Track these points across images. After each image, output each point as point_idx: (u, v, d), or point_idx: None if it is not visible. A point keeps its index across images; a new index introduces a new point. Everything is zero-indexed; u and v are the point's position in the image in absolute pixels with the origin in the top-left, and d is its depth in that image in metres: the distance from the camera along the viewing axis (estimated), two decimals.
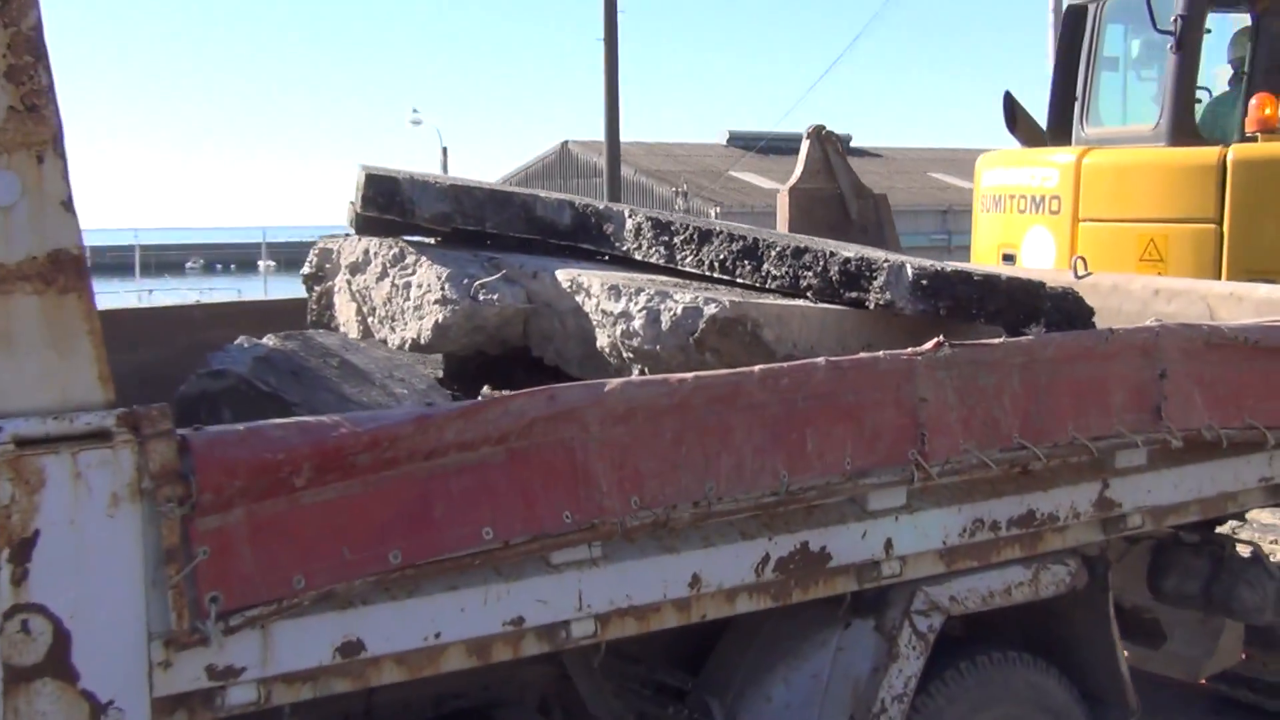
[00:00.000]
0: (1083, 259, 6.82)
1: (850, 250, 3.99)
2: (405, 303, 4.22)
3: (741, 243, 4.12)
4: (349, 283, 4.52)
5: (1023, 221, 7.18)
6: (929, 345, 3.39)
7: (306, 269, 4.87)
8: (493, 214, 4.46)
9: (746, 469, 3.06)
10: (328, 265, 4.82)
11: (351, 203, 4.80)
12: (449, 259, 4.22)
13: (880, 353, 3.32)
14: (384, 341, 4.36)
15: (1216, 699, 6.47)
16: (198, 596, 2.39)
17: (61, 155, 2.36)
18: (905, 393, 3.32)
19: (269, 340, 3.82)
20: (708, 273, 4.19)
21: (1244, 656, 5.27)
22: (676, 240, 4.28)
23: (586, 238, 4.52)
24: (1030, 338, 3.61)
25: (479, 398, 2.77)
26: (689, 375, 2.98)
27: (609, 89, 23.30)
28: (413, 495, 2.63)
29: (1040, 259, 6.90)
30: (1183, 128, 7.55)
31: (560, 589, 2.87)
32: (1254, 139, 6.83)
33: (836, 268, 3.86)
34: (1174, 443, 3.90)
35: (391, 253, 4.33)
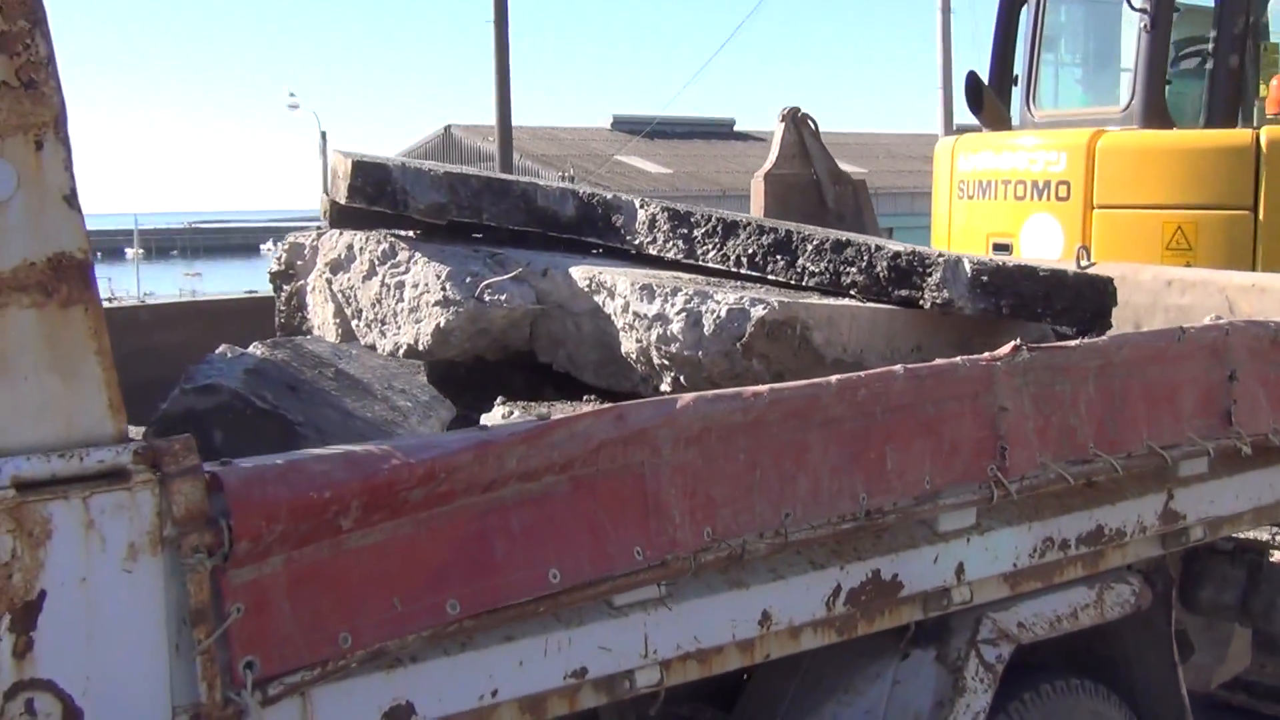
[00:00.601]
0: (1085, 248, 6.67)
1: (897, 244, 3.76)
2: (399, 304, 3.93)
3: (773, 235, 3.88)
4: (329, 282, 4.21)
5: (1021, 209, 6.99)
6: (1006, 349, 3.18)
7: (274, 266, 4.56)
8: (490, 204, 4.18)
9: (824, 492, 2.82)
10: (299, 262, 4.51)
11: (326, 193, 4.50)
12: (447, 255, 3.93)
13: (958, 359, 3.09)
14: (372, 347, 4.06)
15: (1210, 704, 6.38)
16: (231, 662, 2.08)
17: (64, 140, 2.04)
18: (985, 402, 3.11)
19: (256, 349, 3.50)
20: (734, 269, 3.96)
21: None
22: (697, 233, 4.03)
23: (592, 230, 4.27)
24: (1105, 339, 3.41)
25: (537, 418, 2.48)
26: (762, 388, 2.73)
27: (500, 71, 22.94)
28: (471, 534, 2.35)
29: (1044, 248, 6.72)
30: (1156, 109, 7.46)
31: (625, 634, 2.61)
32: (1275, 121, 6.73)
33: (885, 263, 3.64)
34: (1244, 449, 3.74)
35: (380, 248, 4.02)
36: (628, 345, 3.64)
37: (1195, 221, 6.50)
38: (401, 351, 3.92)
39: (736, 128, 36.97)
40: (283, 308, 4.55)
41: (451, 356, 3.92)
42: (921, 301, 3.60)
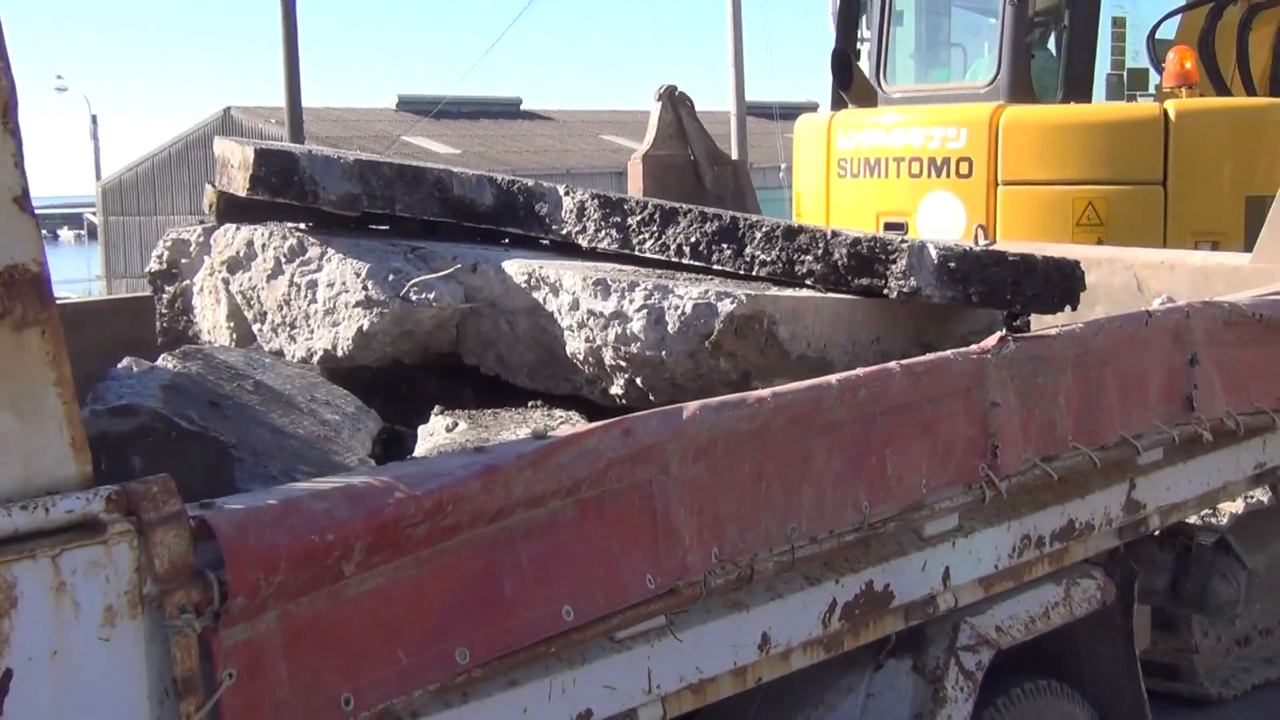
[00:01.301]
0: (982, 227, 6.72)
1: (853, 230, 3.68)
2: (311, 306, 3.68)
3: (716, 223, 3.75)
4: (225, 282, 3.92)
5: (916, 186, 6.99)
6: (993, 340, 3.11)
7: (155, 265, 4.26)
8: (403, 193, 3.96)
9: (828, 503, 2.73)
10: (183, 260, 4.22)
11: (212, 183, 4.21)
12: (364, 251, 3.70)
13: (949, 353, 3.02)
14: (279, 353, 3.80)
15: None
16: None
17: (13, 131, 1.78)
18: (976, 398, 3.05)
19: (166, 362, 3.21)
20: (674, 259, 3.80)
21: None
22: (632, 221, 3.88)
23: (513, 220, 4.08)
24: (1081, 325, 3.37)
25: (533, 434, 2.31)
26: (765, 393, 2.60)
27: (287, 48, 22.12)
28: (479, 571, 2.17)
29: (944, 227, 6.74)
30: (1022, 84, 7.59)
31: (629, 670, 2.47)
32: (1170, 94, 6.88)
33: (844, 250, 3.54)
34: (1205, 435, 3.76)
35: (287, 244, 3.76)
36: (575, 345, 3.46)
37: (1105, 197, 6.59)
38: (316, 358, 3.68)
39: (524, 106, 37.16)
40: (164, 310, 4.25)
41: (371, 361, 3.69)
42: (886, 290, 3.52)
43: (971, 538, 3.21)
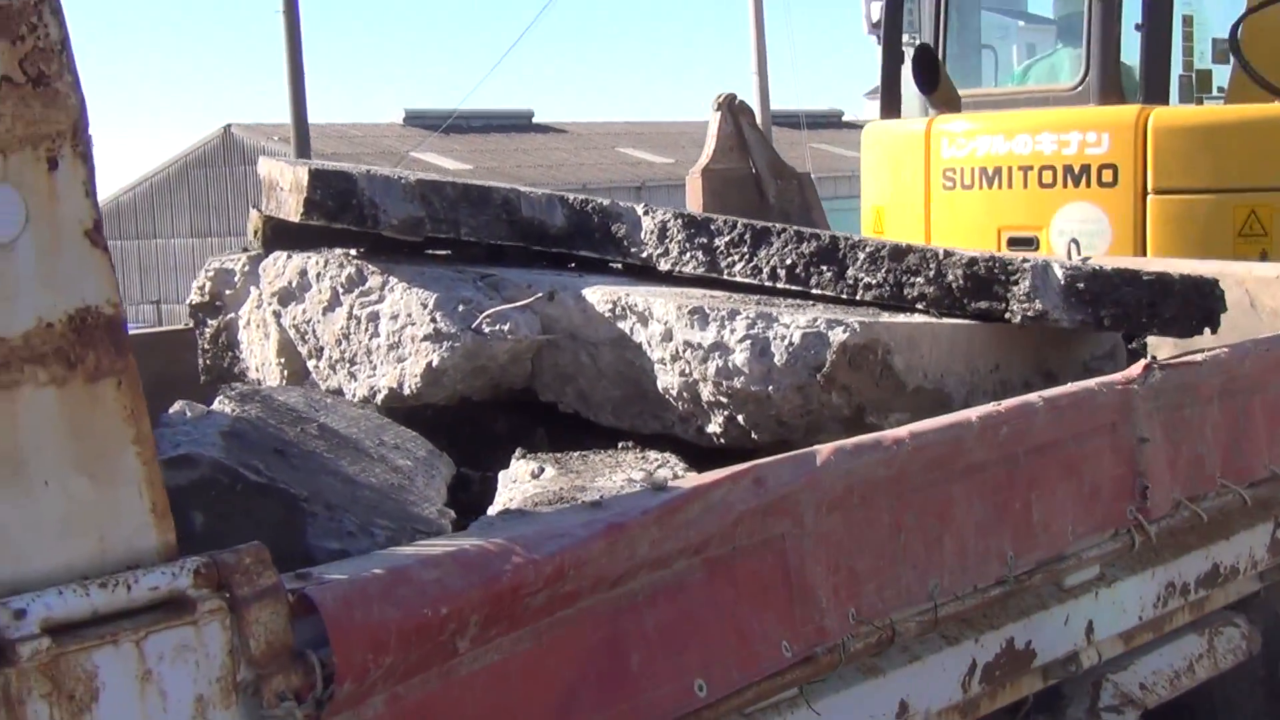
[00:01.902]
0: (1076, 241, 6.50)
1: (965, 250, 3.51)
2: (373, 340, 3.53)
3: (814, 243, 3.59)
4: (277, 315, 3.78)
5: (1048, 197, 6.67)
6: (1138, 368, 2.93)
7: (196, 296, 4.12)
8: (468, 216, 3.81)
9: (970, 554, 2.58)
10: (227, 291, 4.08)
11: (258, 208, 4.07)
12: (429, 279, 3.55)
13: (1092, 382, 2.84)
14: (338, 392, 3.65)
15: None
16: None
17: (84, 156, 1.62)
18: (1124, 434, 2.88)
19: (223, 405, 3.06)
20: (768, 283, 3.64)
21: None
22: (719, 242, 3.72)
23: (587, 242, 3.93)
24: (1227, 350, 3.19)
25: (652, 485, 2.14)
26: (901, 433, 2.44)
27: (292, 64, 22.05)
28: (602, 643, 2.01)
29: (1086, 242, 6.44)
30: (1114, 84, 7.36)
31: None
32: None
33: (959, 271, 3.37)
34: None
35: (345, 273, 3.62)
36: (667, 380, 3.30)
37: (1271, 204, 6.29)
38: (379, 397, 3.53)
39: (536, 119, 37.27)
40: (208, 346, 4.11)
41: (440, 400, 3.54)
42: (1008, 314, 3.34)
43: (1115, 587, 3.06)
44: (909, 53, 8.22)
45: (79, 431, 1.61)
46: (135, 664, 1.58)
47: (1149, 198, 6.45)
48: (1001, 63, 9.47)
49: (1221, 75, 8.00)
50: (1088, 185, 6.53)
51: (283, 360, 3.91)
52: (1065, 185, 6.58)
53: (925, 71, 7.56)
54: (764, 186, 8.16)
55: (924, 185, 7.29)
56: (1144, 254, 6.21)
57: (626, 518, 2.00)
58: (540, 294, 3.46)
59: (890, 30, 8.15)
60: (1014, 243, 6.53)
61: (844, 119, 42.28)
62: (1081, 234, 6.45)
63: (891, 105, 8.04)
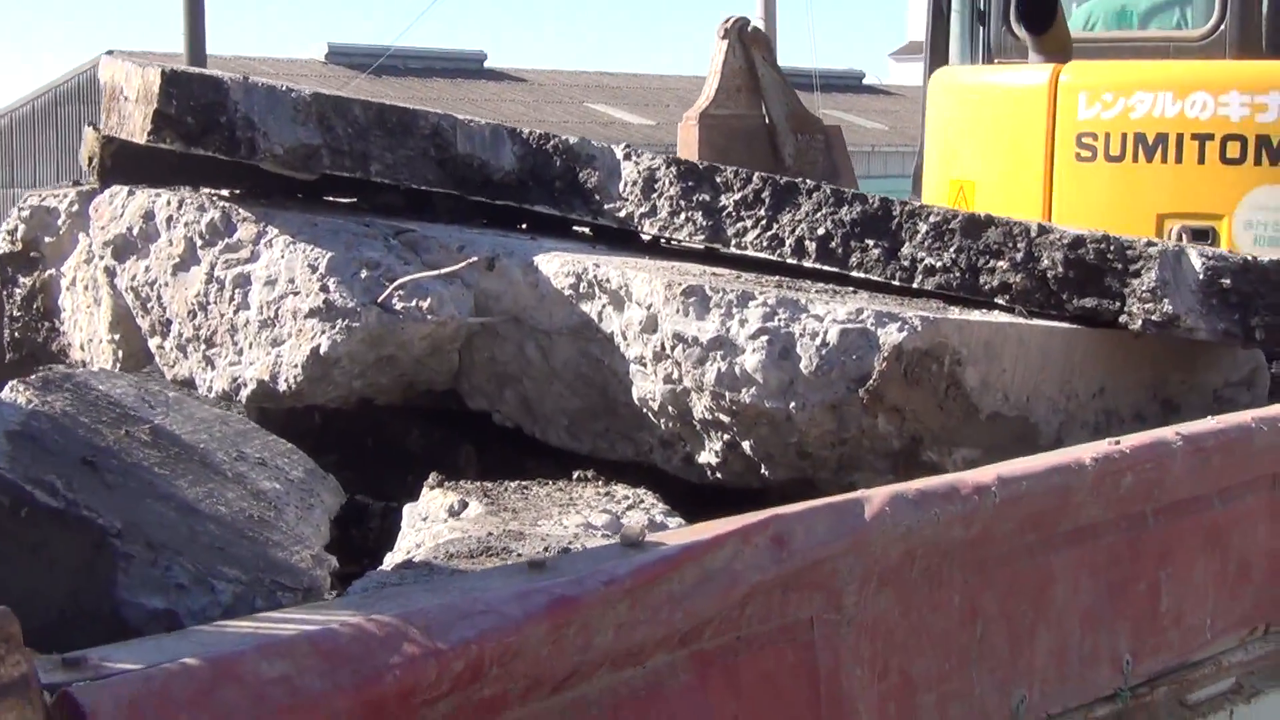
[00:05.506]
0: (1188, 229, 6.24)
1: (1074, 227, 3.27)
2: (241, 313, 3.32)
3: (860, 207, 3.34)
4: (110, 272, 3.52)
5: (1233, 176, 6.45)
6: None
7: (4, 244, 3.92)
8: (383, 148, 3.57)
9: (1073, 658, 2.36)
10: (47, 239, 3.86)
11: (95, 126, 3.80)
12: (323, 233, 3.33)
13: (1246, 416, 2.58)
14: (188, 383, 3.39)
15: None
16: None
17: None
18: None
19: (16, 394, 2.77)
20: (792, 260, 3.39)
21: None
22: (727, 200, 3.49)
23: (544, 194, 3.72)
24: None
25: (623, 540, 1.87)
26: (985, 477, 2.18)
27: None
28: None
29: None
30: (1254, 34, 7.15)
31: None
32: None
33: (1059, 255, 3.15)
34: None
35: (206, 219, 3.38)
36: (647, 387, 3.04)
37: None
38: (245, 392, 3.29)
39: (489, 64, 37.54)
40: (17, 313, 3.93)
41: (329, 400, 3.28)
42: (1124, 318, 3.10)
43: (1254, 704, 2.83)
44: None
45: None
46: None
47: None
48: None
49: None
50: None
51: (117, 337, 3.72)
52: (1259, 162, 6.36)
53: (1036, 3, 7.32)
54: (780, 141, 7.90)
55: (1044, 154, 7.01)
56: None
57: (582, 589, 1.73)
58: (475, 258, 3.18)
59: None
60: (1188, 235, 6.31)
61: (864, 82, 42.59)
62: (1278, 226, 6.23)
63: (940, 50, 7.81)
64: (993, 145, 7.14)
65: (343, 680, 1.54)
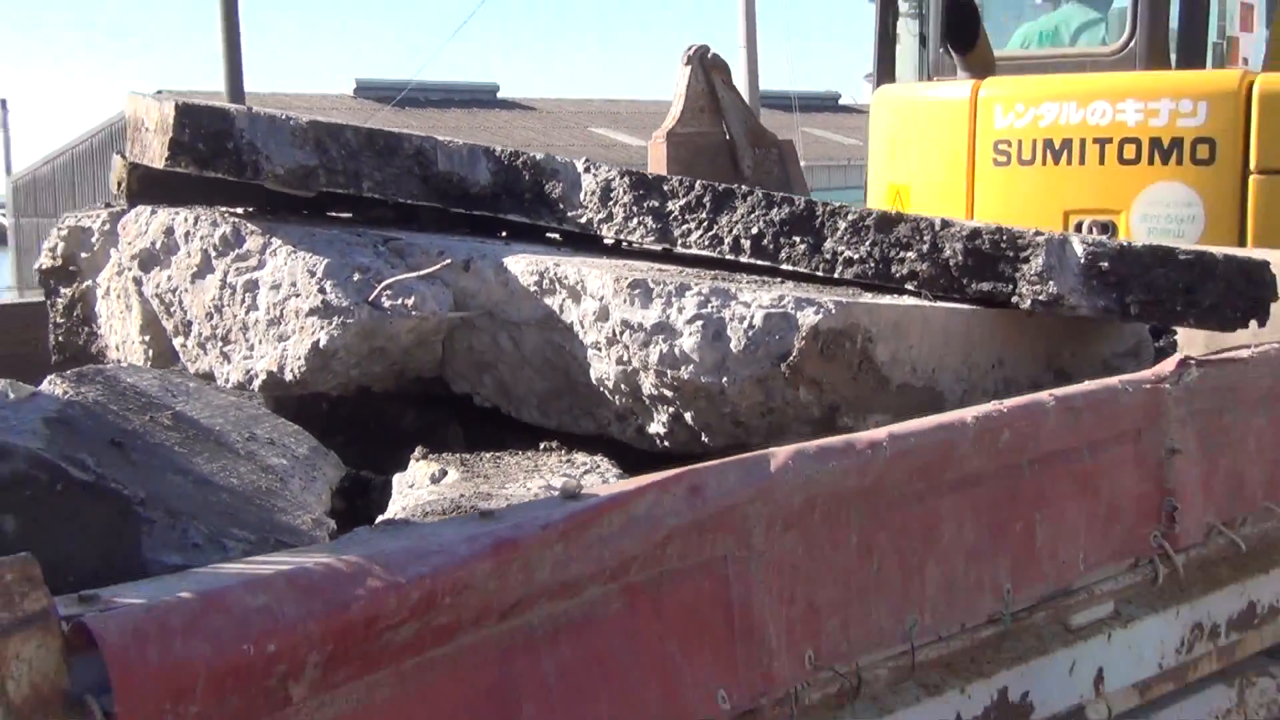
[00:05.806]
0: (1100, 223, 6.32)
1: (973, 219, 3.33)
2: (251, 314, 3.34)
3: (787, 208, 3.41)
4: (138, 282, 3.57)
5: (1129, 176, 6.45)
6: (1171, 364, 2.76)
7: (46, 260, 3.92)
8: (372, 168, 3.61)
9: (959, 586, 2.43)
10: (83, 255, 3.88)
11: (122, 155, 3.85)
12: (320, 243, 3.36)
13: (1114, 380, 2.66)
14: (209, 376, 3.44)
15: None
16: None
17: None
18: (1150, 442, 2.73)
19: (53, 386, 2.84)
20: (730, 256, 3.46)
21: None
22: (673, 206, 3.54)
23: (515, 204, 3.75)
24: (1278, 345, 3.01)
25: (562, 493, 1.94)
26: (879, 435, 2.26)
27: (227, 20, 22.05)
28: (485, 691, 1.82)
29: (1174, 229, 6.24)
30: (1161, 49, 7.20)
31: None
32: None
33: (959, 245, 3.19)
34: None
35: (219, 233, 3.42)
36: (602, 369, 3.10)
37: None
38: (257, 382, 3.34)
39: (501, 94, 37.64)
40: (60, 320, 3.92)
41: (329, 388, 3.34)
42: (1015, 299, 3.16)
43: (1131, 628, 2.92)
44: (904, 6, 8.04)
45: None
46: None
47: (1251, 178, 6.23)
48: (990, 21, 9.30)
49: (1245, 43, 7.90)
50: (1179, 162, 6.31)
51: (147, 338, 3.73)
52: (1151, 162, 6.37)
53: (960, 27, 7.34)
54: (739, 155, 7.96)
55: (967, 160, 7.03)
56: (1243, 243, 6.04)
57: (522, 532, 1.81)
58: (448, 260, 3.24)
59: None
60: (1087, 228, 6.34)
61: (840, 102, 42.54)
62: (1169, 218, 6.25)
63: (885, 69, 7.84)
64: (924, 153, 7.19)
65: (315, 609, 1.60)
